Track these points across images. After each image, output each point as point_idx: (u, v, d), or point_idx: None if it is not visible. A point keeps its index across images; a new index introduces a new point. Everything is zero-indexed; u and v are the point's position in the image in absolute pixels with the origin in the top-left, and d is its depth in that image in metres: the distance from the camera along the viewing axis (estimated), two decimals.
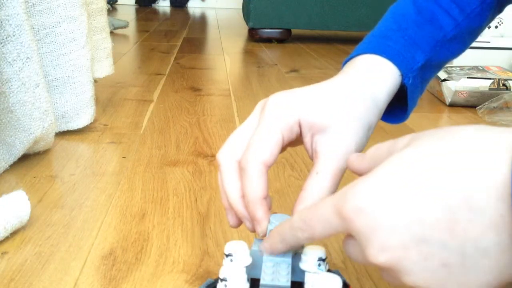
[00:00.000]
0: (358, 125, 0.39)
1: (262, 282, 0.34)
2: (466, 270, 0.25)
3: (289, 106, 0.39)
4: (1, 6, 0.65)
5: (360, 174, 0.34)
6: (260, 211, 0.37)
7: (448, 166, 0.25)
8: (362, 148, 0.40)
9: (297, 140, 0.41)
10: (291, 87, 1.43)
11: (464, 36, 0.47)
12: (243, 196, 0.39)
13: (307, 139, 0.40)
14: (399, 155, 0.28)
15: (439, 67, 0.48)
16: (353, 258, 0.30)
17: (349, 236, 0.30)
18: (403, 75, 0.43)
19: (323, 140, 0.39)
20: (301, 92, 0.41)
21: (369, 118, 0.40)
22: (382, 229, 0.26)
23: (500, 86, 1.17)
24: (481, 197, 0.23)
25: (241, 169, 0.38)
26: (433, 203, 0.25)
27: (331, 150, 0.38)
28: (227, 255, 0.36)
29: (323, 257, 0.36)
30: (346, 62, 0.45)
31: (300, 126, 0.39)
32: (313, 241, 0.32)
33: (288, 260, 0.36)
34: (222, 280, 0.34)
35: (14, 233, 0.55)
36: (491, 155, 0.24)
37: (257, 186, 0.37)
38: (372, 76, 0.42)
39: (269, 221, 0.38)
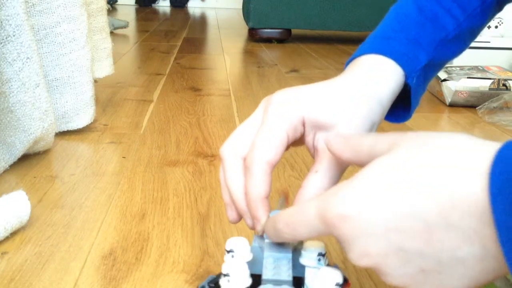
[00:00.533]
0: (361, 125, 0.39)
1: (264, 277, 0.34)
2: (442, 276, 0.26)
3: (293, 104, 0.39)
4: (1, 6, 0.65)
5: (337, 158, 0.35)
6: (261, 210, 0.38)
7: (424, 179, 0.26)
8: None
9: (301, 140, 0.41)
10: (291, 87, 1.41)
11: (465, 35, 0.47)
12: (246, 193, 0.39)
13: (309, 137, 0.40)
14: (379, 162, 0.28)
15: (441, 66, 0.48)
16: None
17: None
18: (407, 75, 0.43)
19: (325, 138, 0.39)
20: (305, 90, 0.41)
21: (373, 118, 0.40)
22: (362, 236, 0.27)
23: (500, 86, 1.17)
24: (456, 213, 0.25)
25: (246, 168, 0.39)
26: (410, 215, 0.26)
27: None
28: (228, 251, 0.37)
29: (323, 252, 0.36)
30: (349, 62, 0.45)
31: (304, 125, 0.39)
32: (298, 240, 0.33)
33: (289, 255, 0.37)
34: (225, 275, 0.34)
35: (14, 233, 0.55)
36: (466, 171, 0.25)
37: (260, 185, 0.37)
38: (376, 76, 0.42)
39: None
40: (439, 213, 0.25)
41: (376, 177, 0.28)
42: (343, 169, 0.39)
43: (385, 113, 0.42)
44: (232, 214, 0.41)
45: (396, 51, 0.43)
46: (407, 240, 0.26)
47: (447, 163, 0.26)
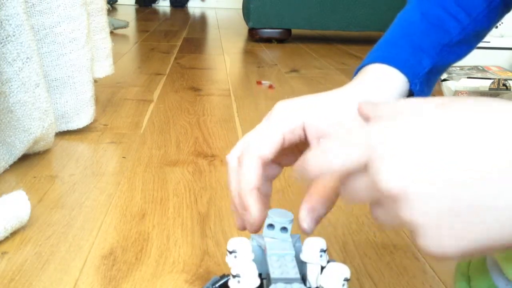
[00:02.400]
0: None
1: (272, 276, 0.35)
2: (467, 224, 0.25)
3: (294, 110, 0.41)
4: (1, 6, 0.65)
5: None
6: (250, 199, 0.38)
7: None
8: None
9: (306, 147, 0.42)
10: (291, 87, 1.42)
11: (470, 38, 0.48)
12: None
13: (313, 142, 0.41)
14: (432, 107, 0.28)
15: (445, 69, 0.49)
16: (379, 221, 0.30)
17: (375, 203, 0.30)
18: (411, 82, 0.44)
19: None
20: (308, 98, 0.42)
21: None
22: (403, 157, 0.26)
23: (500, 86, 1.17)
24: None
25: (239, 163, 0.39)
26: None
27: None
28: (230, 252, 0.37)
29: (324, 248, 0.37)
30: (358, 70, 0.47)
31: (304, 131, 0.40)
32: (330, 172, 0.31)
33: (292, 252, 0.37)
34: (234, 276, 0.34)
35: (14, 233, 0.55)
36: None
37: (249, 176, 0.38)
38: (380, 85, 0.44)
39: (267, 215, 0.39)
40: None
41: (423, 116, 0.27)
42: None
43: None
44: (239, 221, 0.42)
45: (400, 59, 0.44)
46: (449, 173, 0.25)
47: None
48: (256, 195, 0.38)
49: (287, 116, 0.40)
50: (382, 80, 0.44)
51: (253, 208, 0.38)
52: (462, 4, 0.46)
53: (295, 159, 0.43)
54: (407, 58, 0.45)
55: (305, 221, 0.37)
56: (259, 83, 1.37)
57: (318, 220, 0.38)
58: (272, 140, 0.39)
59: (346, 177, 0.30)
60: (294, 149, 0.43)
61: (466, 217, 0.25)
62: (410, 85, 0.44)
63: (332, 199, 0.38)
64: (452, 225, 0.26)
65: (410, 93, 0.45)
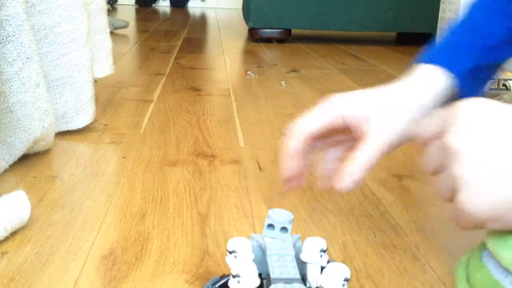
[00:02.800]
0: (399, 123, 0.49)
1: (272, 276, 0.35)
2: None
3: (335, 104, 0.51)
4: (1, 6, 0.65)
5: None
6: (286, 162, 0.52)
7: None
8: (398, 141, 0.50)
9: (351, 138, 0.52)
10: (291, 87, 1.41)
11: None
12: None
13: (357, 131, 0.50)
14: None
15: (494, 69, 0.56)
16: (439, 188, 0.40)
17: (439, 177, 0.39)
18: (453, 78, 0.52)
19: (367, 126, 0.49)
20: (351, 94, 0.52)
21: (411, 117, 0.50)
22: (469, 126, 0.35)
23: (500, 86, 1.17)
24: None
25: (287, 135, 0.52)
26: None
27: (375, 130, 0.49)
28: (230, 252, 0.37)
29: (324, 248, 0.37)
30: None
31: (344, 120, 0.50)
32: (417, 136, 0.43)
33: (292, 252, 0.37)
34: (234, 276, 0.34)
35: (14, 233, 0.55)
36: None
37: (289, 144, 0.52)
38: (427, 84, 0.52)
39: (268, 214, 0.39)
40: None
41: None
42: (384, 149, 0.48)
43: (427, 113, 0.51)
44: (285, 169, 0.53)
45: (443, 58, 0.53)
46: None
47: None
48: (291, 159, 0.52)
49: (329, 108, 0.51)
50: (428, 79, 0.52)
51: (286, 168, 0.52)
52: (505, 12, 0.53)
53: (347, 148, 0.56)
54: (449, 58, 0.53)
55: (345, 180, 0.47)
56: (245, 72, 1.50)
57: (356, 182, 0.47)
58: (313, 122, 0.51)
59: (429, 144, 0.40)
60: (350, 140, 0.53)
61: (502, 184, 0.33)
62: (453, 81, 0.52)
63: (371, 165, 0.47)
64: (490, 188, 0.33)
65: (456, 90, 0.52)
